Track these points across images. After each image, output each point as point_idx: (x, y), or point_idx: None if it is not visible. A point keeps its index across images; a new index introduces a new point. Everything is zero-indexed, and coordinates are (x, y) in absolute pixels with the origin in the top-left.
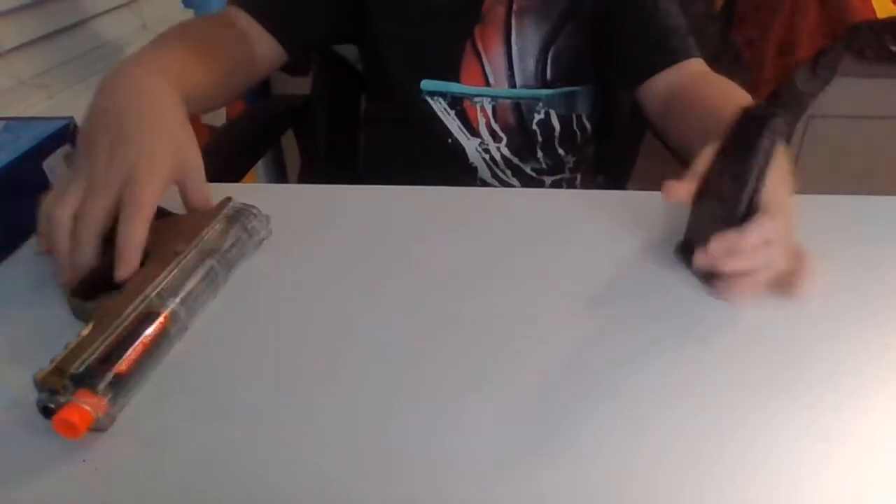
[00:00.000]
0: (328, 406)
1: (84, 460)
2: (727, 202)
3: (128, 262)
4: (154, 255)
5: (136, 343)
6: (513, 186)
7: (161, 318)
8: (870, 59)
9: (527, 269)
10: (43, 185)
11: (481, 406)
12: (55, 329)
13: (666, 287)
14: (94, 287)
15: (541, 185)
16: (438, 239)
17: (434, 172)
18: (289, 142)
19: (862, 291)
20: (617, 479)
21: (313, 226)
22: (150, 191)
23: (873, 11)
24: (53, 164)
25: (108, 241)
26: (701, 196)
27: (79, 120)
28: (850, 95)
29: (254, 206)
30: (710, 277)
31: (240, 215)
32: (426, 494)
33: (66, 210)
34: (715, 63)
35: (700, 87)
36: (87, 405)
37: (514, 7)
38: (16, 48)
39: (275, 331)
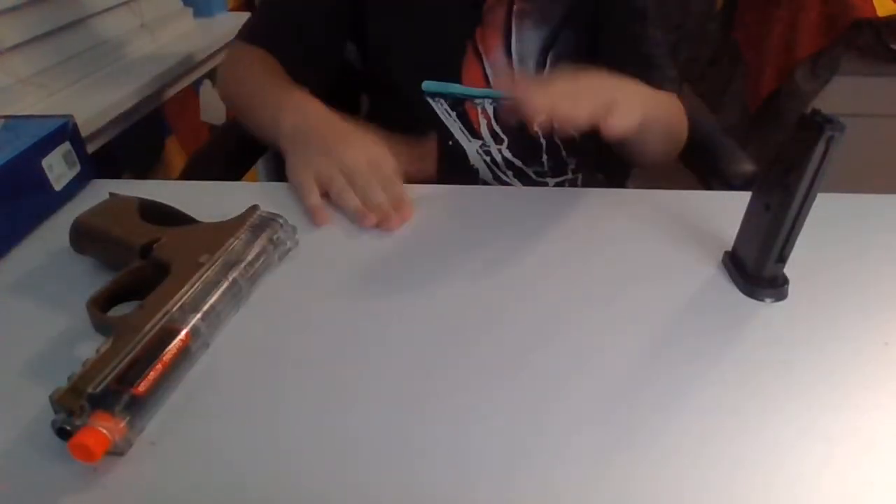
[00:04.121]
0: (332, 406)
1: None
2: (775, 212)
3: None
4: (177, 266)
5: (156, 362)
6: None
7: (182, 336)
8: (870, 57)
9: (529, 267)
10: (42, 183)
11: (488, 405)
12: (53, 326)
13: (666, 286)
14: (114, 298)
15: (544, 187)
16: (439, 238)
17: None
18: None
19: (862, 291)
20: (617, 478)
21: (313, 225)
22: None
23: (874, 10)
24: (52, 163)
25: (130, 250)
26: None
27: (78, 119)
28: (850, 95)
29: (280, 216)
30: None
31: (266, 225)
32: (444, 493)
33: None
34: (715, 63)
35: None
36: (104, 428)
37: (515, 8)
38: (15, 46)
39: (274, 329)
